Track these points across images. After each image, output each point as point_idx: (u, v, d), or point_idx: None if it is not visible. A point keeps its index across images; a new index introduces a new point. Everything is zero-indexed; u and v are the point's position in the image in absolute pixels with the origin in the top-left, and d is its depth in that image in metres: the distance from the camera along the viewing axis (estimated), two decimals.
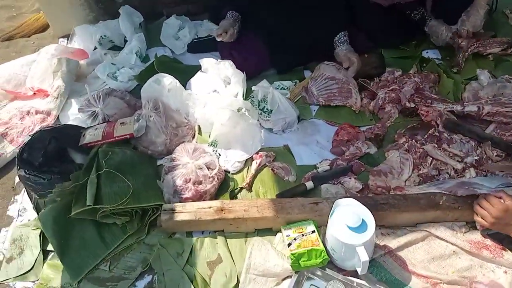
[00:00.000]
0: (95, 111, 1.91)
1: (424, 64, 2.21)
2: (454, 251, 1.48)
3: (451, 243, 1.48)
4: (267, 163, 1.77)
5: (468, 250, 1.46)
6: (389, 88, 2.02)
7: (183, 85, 2.03)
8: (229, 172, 1.76)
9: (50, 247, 1.56)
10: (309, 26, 2.14)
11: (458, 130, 1.82)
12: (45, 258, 1.55)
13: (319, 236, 1.43)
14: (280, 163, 1.77)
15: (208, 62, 2.14)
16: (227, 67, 2.08)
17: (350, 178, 1.68)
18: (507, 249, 1.45)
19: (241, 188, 1.71)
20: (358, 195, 1.63)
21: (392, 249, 1.47)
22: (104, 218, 1.55)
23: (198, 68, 2.20)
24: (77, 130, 1.83)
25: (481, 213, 1.43)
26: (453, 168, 1.67)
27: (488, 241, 1.48)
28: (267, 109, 1.94)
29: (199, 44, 2.46)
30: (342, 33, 2.14)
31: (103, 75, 2.16)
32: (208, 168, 1.67)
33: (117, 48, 2.46)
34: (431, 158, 1.72)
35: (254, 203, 1.53)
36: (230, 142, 1.80)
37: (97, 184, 1.58)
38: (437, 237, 1.51)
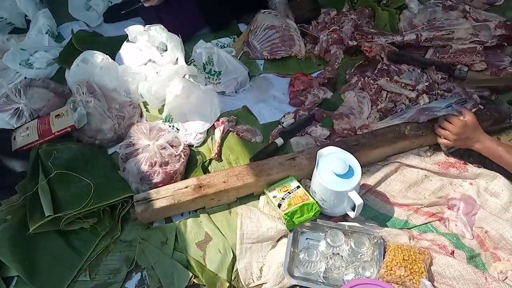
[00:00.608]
0: (18, 107, 1.64)
1: (355, 0, 2.21)
2: (425, 175, 1.56)
3: (421, 168, 1.56)
4: (230, 128, 1.69)
5: (437, 172, 1.55)
6: (329, 29, 2.00)
7: None
8: (192, 146, 1.64)
9: (12, 272, 1.35)
10: None
11: (402, 60, 1.88)
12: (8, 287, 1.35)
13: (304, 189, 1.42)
14: (243, 125, 1.70)
15: (135, 30, 1.92)
16: (159, 32, 1.89)
17: (316, 127, 1.67)
18: (468, 163, 1.57)
19: (210, 160, 1.62)
20: (328, 142, 1.63)
21: (371, 186, 1.52)
22: (69, 226, 1.38)
23: (123, 38, 1.97)
24: (4, 134, 1.56)
25: (443, 134, 1.51)
26: (407, 97, 1.74)
27: (452, 159, 1.58)
28: (214, 71, 1.82)
29: (116, 11, 2.19)
30: None
31: (14, 64, 1.83)
32: (172, 146, 1.54)
33: (19, 31, 2.11)
34: (385, 92, 1.76)
35: (232, 172, 1.46)
36: (186, 113, 1.67)
37: (50, 189, 1.38)
38: (408, 165, 1.57)
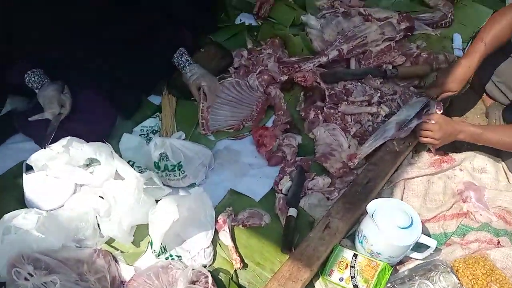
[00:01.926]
0: None
1: (255, 33, 2.09)
2: (428, 180, 1.59)
3: (422, 176, 1.59)
4: (233, 223, 1.41)
5: (434, 172, 1.60)
6: (256, 72, 1.85)
7: None
8: (206, 266, 1.32)
9: None
10: (140, 55, 1.69)
11: (337, 79, 1.87)
12: None
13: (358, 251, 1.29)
14: (243, 212, 1.44)
15: (44, 156, 1.43)
16: (77, 146, 1.44)
17: (313, 179, 1.54)
18: (448, 152, 1.67)
19: (235, 272, 1.32)
20: (333, 189, 1.52)
21: None
22: None
23: (17, 171, 1.47)
24: None
25: (428, 142, 1.57)
26: (369, 114, 1.74)
27: (436, 156, 1.65)
28: (172, 165, 1.49)
29: None
30: (178, 52, 1.76)
31: None
32: (195, 283, 1.20)
33: None
34: (349, 116, 1.72)
35: (281, 276, 1.23)
36: (180, 233, 1.32)
37: None
38: (410, 178, 1.59)
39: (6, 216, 1.23)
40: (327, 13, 2.10)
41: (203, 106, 1.71)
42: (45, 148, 1.41)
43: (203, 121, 1.71)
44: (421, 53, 1.97)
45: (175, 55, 1.74)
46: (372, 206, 1.27)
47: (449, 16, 2.20)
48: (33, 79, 1.51)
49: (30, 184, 1.45)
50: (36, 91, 1.51)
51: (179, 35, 1.83)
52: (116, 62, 1.64)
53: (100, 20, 1.54)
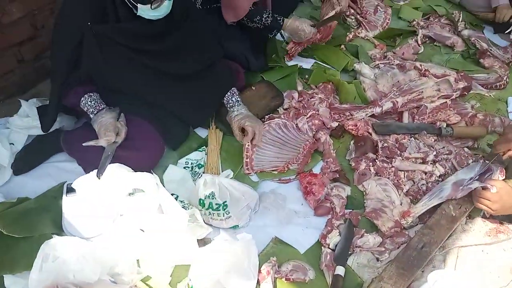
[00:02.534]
0: None
1: (306, 76, 2.07)
2: (482, 250, 1.49)
3: (477, 244, 1.49)
4: (276, 275, 1.32)
5: (490, 243, 1.50)
6: (307, 116, 1.80)
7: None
8: None
9: None
10: (192, 90, 1.66)
11: (389, 131, 1.81)
12: None
13: None
14: (287, 265, 1.35)
15: (84, 181, 1.39)
16: (122, 174, 1.39)
17: (362, 236, 1.45)
18: (505, 222, 1.56)
19: None
20: (383, 249, 1.42)
21: None
22: None
23: (56, 193, 1.43)
24: None
25: (485, 209, 1.47)
26: (423, 172, 1.66)
27: (491, 224, 1.55)
28: (218, 204, 1.42)
29: (31, 154, 1.57)
30: (230, 92, 1.73)
31: None
32: None
33: None
34: (402, 172, 1.65)
35: None
36: (221, 280, 1.24)
37: None
38: (464, 246, 1.48)
39: (48, 243, 1.17)
40: (381, 63, 2.07)
41: (248, 146, 1.66)
42: (99, 178, 1.36)
43: (247, 160, 1.65)
44: (476, 114, 1.91)
45: (227, 93, 1.72)
46: (432, 279, 1.17)
47: (504, 78, 2.15)
48: (89, 103, 1.49)
49: (70, 207, 1.40)
50: (91, 115, 1.49)
51: (234, 74, 1.81)
52: (171, 94, 1.61)
53: (163, 54, 1.53)
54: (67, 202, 1.42)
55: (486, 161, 1.58)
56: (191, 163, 1.66)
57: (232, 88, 1.74)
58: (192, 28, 1.57)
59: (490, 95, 2.10)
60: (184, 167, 1.64)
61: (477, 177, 1.54)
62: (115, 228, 1.36)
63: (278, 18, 1.96)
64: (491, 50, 2.26)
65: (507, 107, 2.07)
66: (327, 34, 2.17)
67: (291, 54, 2.15)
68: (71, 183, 1.42)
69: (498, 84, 2.14)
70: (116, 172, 1.40)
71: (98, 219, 1.37)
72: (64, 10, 1.44)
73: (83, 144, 1.42)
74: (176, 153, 1.70)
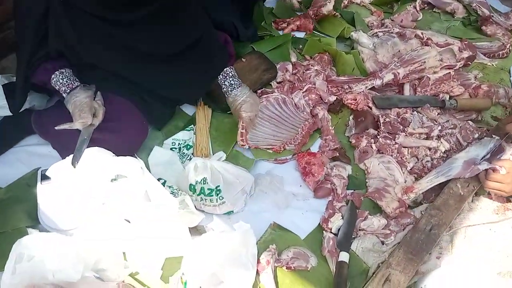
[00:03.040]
0: None
1: (300, 46, 1.92)
2: (490, 229, 1.41)
3: (485, 223, 1.41)
4: (276, 264, 1.22)
5: (497, 221, 1.42)
6: (303, 90, 1.67)
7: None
8: None
9: None
10: (179, 69, 1.49)
11: (390, 105, 1.70)
12: None
13: None
14: (287, 252, 1.25)
15: (60, 168, 1.24)
16: (102, 159, 1.25)
17: (366, 218, 1.35)
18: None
19: None
20: (388, 232, 1.33)
21: None
22: None
23: (29, 181, 1.28)
24: None
25: (496, 190, 1.39)
26: (428, 148, 1.56)
27: (498, 203, 1.47)
28: (210, 189, 1.30)
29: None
30: (222, 74, 1.54)
31: None
32: None
33: None
34: (405, 149, 1.55)
35: None
36: (218, 273, 1.13)
37: None
38: (471, 225, 1.41)
39: (20, 241, 1.03)
40: (379, 31, 1.93)
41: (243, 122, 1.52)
42: (75, 166, 1.21)
43: (243, 131, 1.50)
44: (480, 85, 1.80)
45: (219, 76, 1.54)
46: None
47: (507, 46, 2.04)
48: (61, 81, 1.32)
49: (45, 196, 1.26)
50: (64, 95, 1.32)
51: (224, 50, 1.65)
52: (154, 74, 1.44)
53: (140, 28, 1.34)
54: (43, 191, 1.28)
55: (498, 139, 1.48)
56: (179, 143, 1.52)
57: (224, 70, 1.54)
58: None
59: (493, 64, 1.99)
60: (171, 148, 1.50)
61: (488, 156, 1.45)
62: (97, 218, 1.22)
63: None
64: (493, 16, 2.14)
65: (510, 76, 1.97)
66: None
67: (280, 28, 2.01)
68: (46, 169, 1.27)
69: (501, 52, 2.03)
70: (96, 157, 1.26)
71: (78, 209, 1.24)
72: None
73: (56, 128, 1.26)
74: (161, 133, 1.56)
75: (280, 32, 2.00)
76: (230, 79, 1.54)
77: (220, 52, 1.59)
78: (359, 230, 1.34)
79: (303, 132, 1.57)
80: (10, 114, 1.42)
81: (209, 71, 1.53)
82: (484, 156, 1.44)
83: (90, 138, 1.30)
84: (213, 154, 1.49)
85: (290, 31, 2.00)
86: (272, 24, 2.03)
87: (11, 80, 1.50)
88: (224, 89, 1.53)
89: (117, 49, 1.34)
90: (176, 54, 1.45)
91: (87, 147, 1.27)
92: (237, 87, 1.52)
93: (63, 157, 1.29)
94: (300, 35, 2.00)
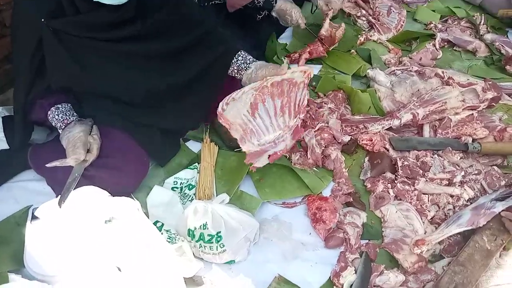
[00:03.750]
0: None
1: (314, 83, 1.85)
2: None
3: None
4: None
5: None
6: (315, 128, 1.58)
7: None
8: None
9: None
10: (184, 98, 1.44)
11: (409, 147, 1.59)
12: None
13: None
14: None
15: (51, 208, 1.16)
16: (96, 199, 1.17)
17: (382, 273, 1.22)
18: None
19: None
20: None
21: None
22: None
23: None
24: None
25: None
26: (450, 195, 1.43)
27: None
28: (210, 235, 1.19)
29: None
30: (235, 58, 1.44)
31: None
32: None
33: None
34: (426, 196, 1.42)
35: None
36: None
37: None
38: (500, 285, 1.26)
39: None
40: (397, 69, 1.85)
41: None
42: (60, 207, 1.13)
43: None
44: (506, 127, 1.68)
45: (233, 60, 1.43)
46: None
47: None
48: (57, 117, 1.25)
49: (33, 237, 1.17)
50: (60, 131, 1.26)
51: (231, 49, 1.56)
52: (155, 103, 1.38)
53: (139, 37, 1.29)
54: (32, 231, 1.19)
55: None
56: (181, 183, 1.43)
57: (238, 52, 1.44)
58: (173, 10, 1.33)
59: None
60: (173, 188, 1.41)
61: (499, 198, 1.32)
62: (85, 264, 1.13)
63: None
64: None
65: None
66: (331, 43, 1.97)
67: (294, 60, 1.95)
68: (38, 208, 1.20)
69: None
70: (89, 196, 1.18)
71: (66, 252, 1.14)
72: (15, 9, 1.23)
73: (47, 165, 1.19)
74: (163, 170, 1.47)
75: (295, 66, 1.94)
76: (249, 57, 1.44)
77: (222, 53, 1.46)
78: (374, 286, 1.20)
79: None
80: (7, 147, 1.36)
81: (213, 75, 1.45)
82: (492, 199, 1.32)
83: (86, 175, 1.23)
84: (216, 195, 1.39)
85: (305, 61, 1.94)
86: (286, 59, 1.96)
87: (12, 112, 1.46)
88: (240, 63, 1.42)
89: (115, 63, 1.29)
90: (181, 51, 1.38)
91: (80, 185, 1.19)
92: (254, 61, 1.41)
93: (57, 195, 1.21)
94: (314, 71, 1.93)
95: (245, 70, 1.41)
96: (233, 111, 1.29)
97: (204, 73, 1.44)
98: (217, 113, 1.27)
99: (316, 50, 1.95)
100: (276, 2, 1.90)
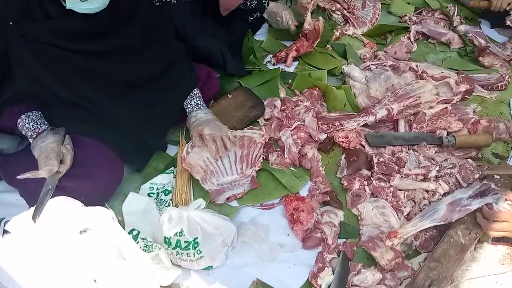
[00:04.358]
0: None
1: (289, 80, 1.84)
2: (496, 282, 1.29)
3: (489, 275, 1.29)
4: None
5: (503, 272, 1.30)
6: (291, 128, 1.58)
7: None
8: None
9: None
10: (147, 100, 1.42)
11: (384, 143, 1.60)
12: None
13: None
14: None
15: (23, 221, 1.13)
16: (69, 210, 1.15)
17: (359, 272, 1.23)
18: None
19: None
20: (383, 287, 1.22)
21: None
22: None
23: None
24: None
25: (498, 229, 1.27)
26: (425, 191, 1.45)
27: (503, 247, 1.36)
28: (187, 242, 1.19)
29: None
30: (190, 95, 1.51)
31: None
32: None
33: None
34: (401, 192, 1.44)
35: None
36: None
37: None
38: (475, 278, 1.29)
39: None
40: (372, 64, 1.85)
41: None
42: (35, 221, 1.11)
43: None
44: (479, 119, 1.71)
45: (188, 98, 1.49)
46: None
47: (506, 78, 1.95)
48: (27, 125, 1.23)
49: (6, 251, 1.15)
50: (31, 140, 1.23)
51: (195, 74, 1.57)
52: (128, 106, 1.36)
53: (108, 57, 1.28)
54: (4, 245, 1.17)
55: (485, 182, 1.38)
56: (157, 188, 1.42)
57: (193, 90, 1.51)
58: (144, 25, 1.33)
59: (492, 97, 1.90)
60: (149, 194, 1.40)
61: (476, 195, 1.34)
62: (61, 278, 1.11)
63: (263, 1, 1.90)
64: (490, 47, 2.06)
65: (511, 110, 1.88)
66: (315, 37, 1.97)
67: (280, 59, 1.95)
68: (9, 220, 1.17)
69: (499, 84, 1.94)
70: (63, 207, 1.16)
71: (41, 267, 1.12)
72: None
73: (18, 177, 1.16)
74: (140, 176, 1.46)
75: (282, 65, 1.93)
76: (197, 99, 1.50)
77: (188, 77, 1.53)
78: (352, 286, 1.22)
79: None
80: None
81: (179, 96, 1.49)
82: (470, 195, 1.34)
83: (60, 186, 1.21)
84: (194, 200, 1.38)
85: (292, 60, 1.92)
86: (272, 59, 1.95)
87: None
88: (189, 109, 1.48)
89: (84, 78, 1.27)
90: (148, 80, 1.40)
91: (53, 196, 1.17)
92: (203, 108, 1.49)
93: (30, 206, 1.19)
94: (290, 69, 1.92)
95: (190, 114, 1.48)
96: (196, 154, 1.45)
97: (169, 94, 1.47)
98: (181, 157, 1.43)
99: (303, 46, 1.93)
100: (268, 4, 1.91)
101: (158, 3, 1.78)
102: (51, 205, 1.16)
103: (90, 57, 1.26)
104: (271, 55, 1.97)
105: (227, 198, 1.41)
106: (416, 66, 1.79)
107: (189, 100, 1.50)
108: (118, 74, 1.31)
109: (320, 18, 1.98)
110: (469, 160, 1.59)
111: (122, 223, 1.30)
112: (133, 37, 1.31)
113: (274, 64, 1.94)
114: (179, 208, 1.21)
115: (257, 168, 1.47)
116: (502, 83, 1.94)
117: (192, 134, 1.46)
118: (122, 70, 1.31)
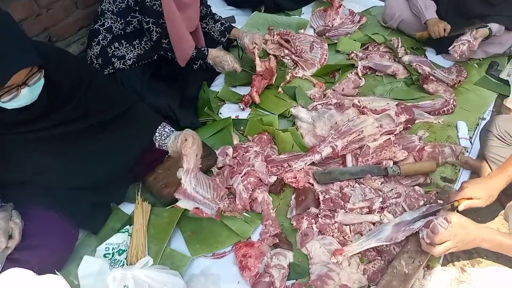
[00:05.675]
0: None
1: (242, 127, 1.93)
2: None
3: None
4: None
5: None
6: (241, 173, 1.65)
7: None
8: None
9: None
10: (111, 137, 1.50)
11: (332, 179, 1.67)
12: None
13: None
14: None
15: None
16: (21, 282, 1.20)
17: None
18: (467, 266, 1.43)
19: None
20: None
21: None
22: None
23: None
24: None
25: (444, 250, 1.31)
26: (371, 223, 1.50)
27: (456, 273, 1.40)
28: None
29: None
30: (158, 132, 1.55)
31: None
32: None
33: None
34: (347, 227, 1.49)
35: None
36: None
37: None
38: None
39: None
40: (318, 104, 1.95)
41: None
42: None
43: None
44: (424, 146, 1.78)
45: (156, 134, 1.53)
46: None
47: (451, 102, 2.04)
48: None
49: None
50: None
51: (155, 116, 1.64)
52: (80, 166, 1.44)
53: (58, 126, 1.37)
54: None
55: (431, 205, 1.44)
56: (112, 248, 1.47)
57: (162, 123, 1.55)
58: (91, 92, 1.42)
59: (439, 122, 1.98)
60: (105, 255, 1.45)
61: (420, 218, 1.39)
62: None
63: (203, 49, 2.02)
64: (434, 73, 2.16)
65: (457, 132, 1.95)
66: (270, 75, 2.09)
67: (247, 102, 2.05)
68: None
69: (445, 109, 2.03)
70: (13, 279, 1.21)
71: None
72: None
73: None
74: (96, 238, 1.51)
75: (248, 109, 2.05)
76: (168, 127, 1.55)
77: (151, 116, 1.60)
78: None
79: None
80: None
81: (141, 134, 1.55)
82: (414, 218, 1.39)
83: (11, 259, 1.26)
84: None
85: (258, 96, 2.03)
86: (241, 104, 2.04)
87: None
88: (165, 135, 1.52)
89: (34, 150, 1.35)
90: (107, 123, 1.48)
91: (5, 269, 1.22)
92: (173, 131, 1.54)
93: None
94: (244, 115, 2.02)
95: (167, 141, 1.51)
96: None
97: (128, 145, 1.53)
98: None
99: (262, 84, 2.06)
100: (208, 52, 2.03)
101: (111, 71, 1.91)
102: (3, 278, 1.21)
103: (39, 131, 1.34)
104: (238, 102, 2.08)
105: (194, 208, 1.42)
106: (358, 101, 1.89)
107: (160, 131, 1.53)
108: (61, 129, 1.38)
109: (271, 56, 2.12)
110: (416, 187, 1.65)
111: (77, 287, 1.34)
112: (77, 109, 1.39)
113: (243, 109, 2.04)
114: (123, 268, 1.26)
115: (221, 205, 1.50)
116: (448, 107, 2.03)
117: (178, 153, 1.48)
118: (73, 133, 1.40)
